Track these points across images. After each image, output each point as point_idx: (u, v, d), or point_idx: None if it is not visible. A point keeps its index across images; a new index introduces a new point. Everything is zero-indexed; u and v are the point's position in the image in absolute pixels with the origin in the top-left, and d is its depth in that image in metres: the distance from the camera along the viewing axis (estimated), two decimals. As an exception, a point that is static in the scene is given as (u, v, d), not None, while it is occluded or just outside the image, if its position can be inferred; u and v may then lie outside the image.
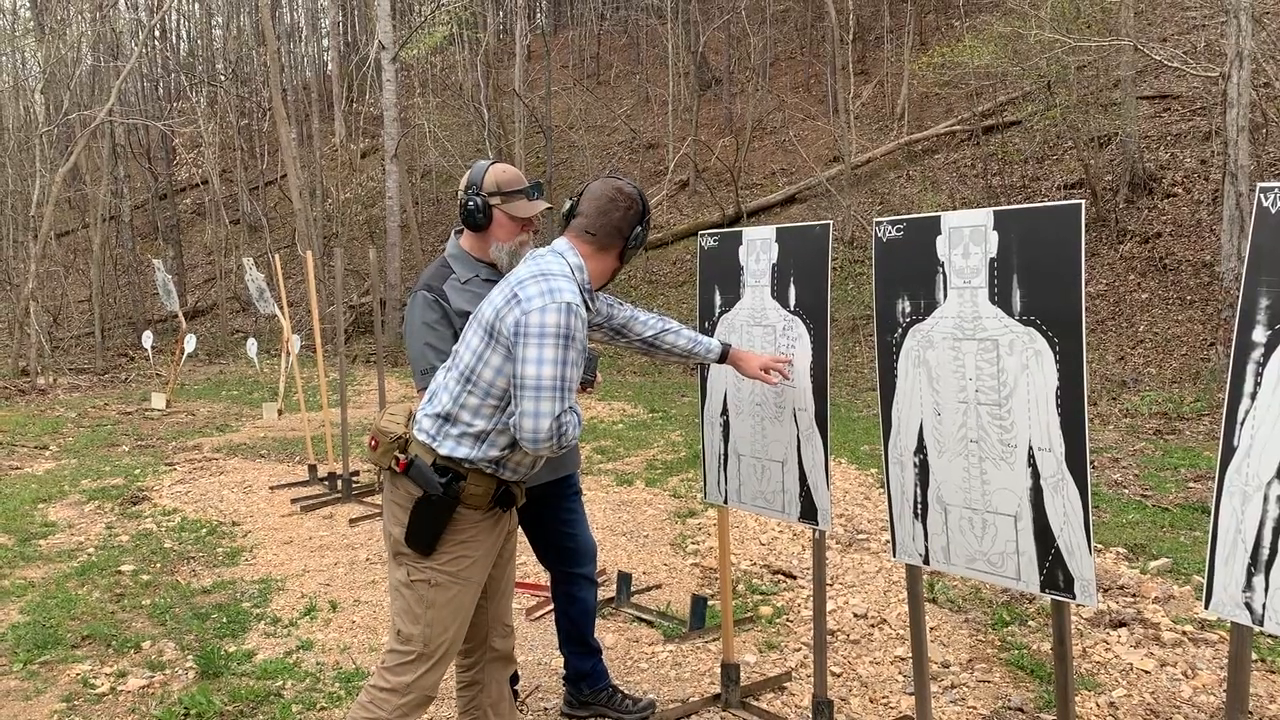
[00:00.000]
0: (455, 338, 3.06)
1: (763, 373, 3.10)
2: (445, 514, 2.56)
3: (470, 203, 3.12)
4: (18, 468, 8.97)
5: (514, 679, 3.46)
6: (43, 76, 22.44)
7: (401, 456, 2.61)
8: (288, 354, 10.77)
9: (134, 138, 28.00)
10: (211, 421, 11.78)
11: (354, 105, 28.06)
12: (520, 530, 3.38)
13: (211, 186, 24.96)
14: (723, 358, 3.13)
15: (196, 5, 32.60)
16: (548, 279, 2.54)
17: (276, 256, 9.52)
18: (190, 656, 4.27)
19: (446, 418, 2.59)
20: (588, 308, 2.68)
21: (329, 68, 31.77)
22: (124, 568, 5.64)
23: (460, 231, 3.23)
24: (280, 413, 11.98)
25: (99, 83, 24.36)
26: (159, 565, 5.73)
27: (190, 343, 13.92)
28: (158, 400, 13.14)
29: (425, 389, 3.08)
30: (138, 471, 8.55)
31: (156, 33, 28.67)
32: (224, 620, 4.74)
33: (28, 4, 27.45)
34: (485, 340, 2.56)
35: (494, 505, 2.65)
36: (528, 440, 2.48)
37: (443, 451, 2.57)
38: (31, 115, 24.52)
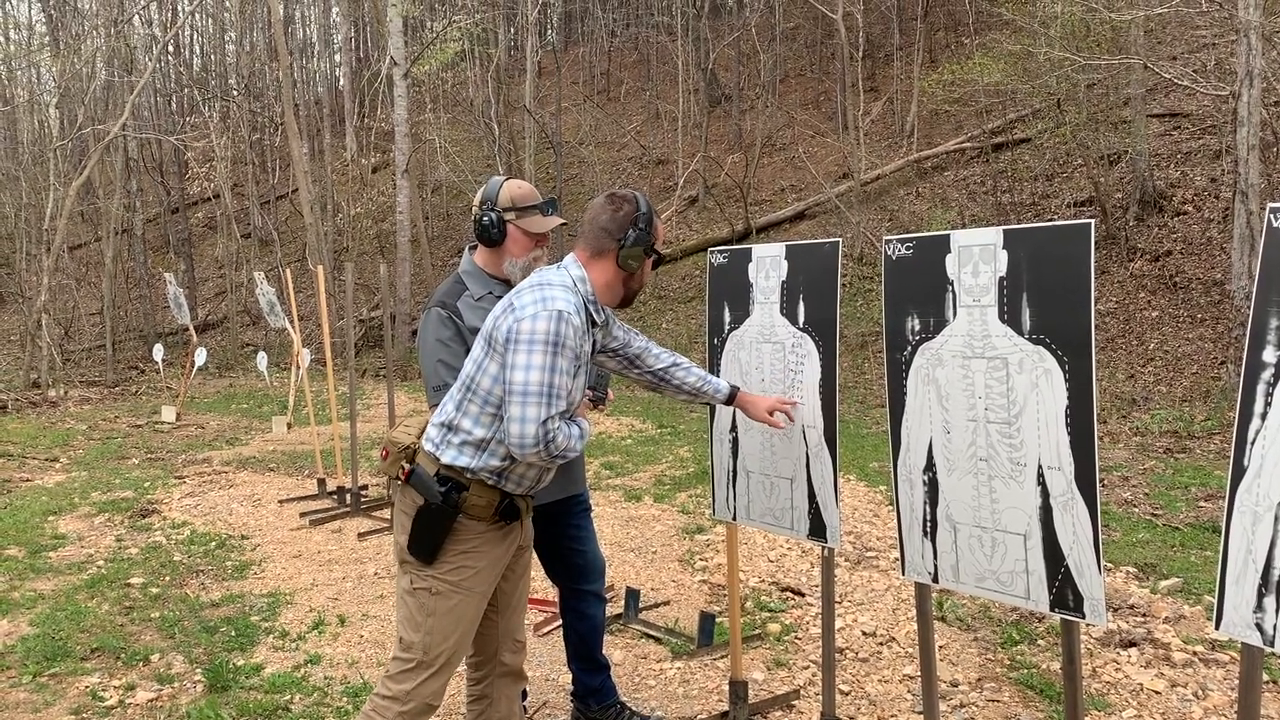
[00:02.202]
0: (468, 355, 3.08)
1: (769, 415, 3.09)
2: (446, 523, 2.59)
3: (485, 218, 3.14)
4: (28, 480, 9.01)
5: (522, 695, 3.46)
6: (57, 91, 22.61)
7: (408, 466, 2.66)
8: (297, 368, 10.81)
9: (147, 152, 28.16)
10: (221, 435, 11.81)
11: (365, 120, 28.19)
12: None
13: (223, 200, 25.09)
14: (730, 399, 3.12)
15: (210, 21, 32.86)
16: (543, 288, 2.59)
17: (287, 271, 9.54)
18: (199, 669, 4.27)
19: (450, 426, 2.64)
20: (594, 321, 2.71)
21: (341, 83, 31.96)
22: (133, 580, 5.65)
23: (474, 247, 3.25)
24: (290, 426, 12.01)
25: (113, 97, 24.53)
26: (168, 578, 5.74)
27: (200, 356, 13.97)
28: (168, 413, 13.19)
29: (437, 406, 3.09)
30: (147, 484, 8.58)
31: (170, 48, 28.88)
32: (232, 633, 4.74)
33: (43, 19, 27.70)
34: (485, 349, 2.61)
35: (498, 518, 2.67)
36: (514, 445, 2.51)
37: (445, 460, 2.61)
38: (46, 129, 24.71)
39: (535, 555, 3.47)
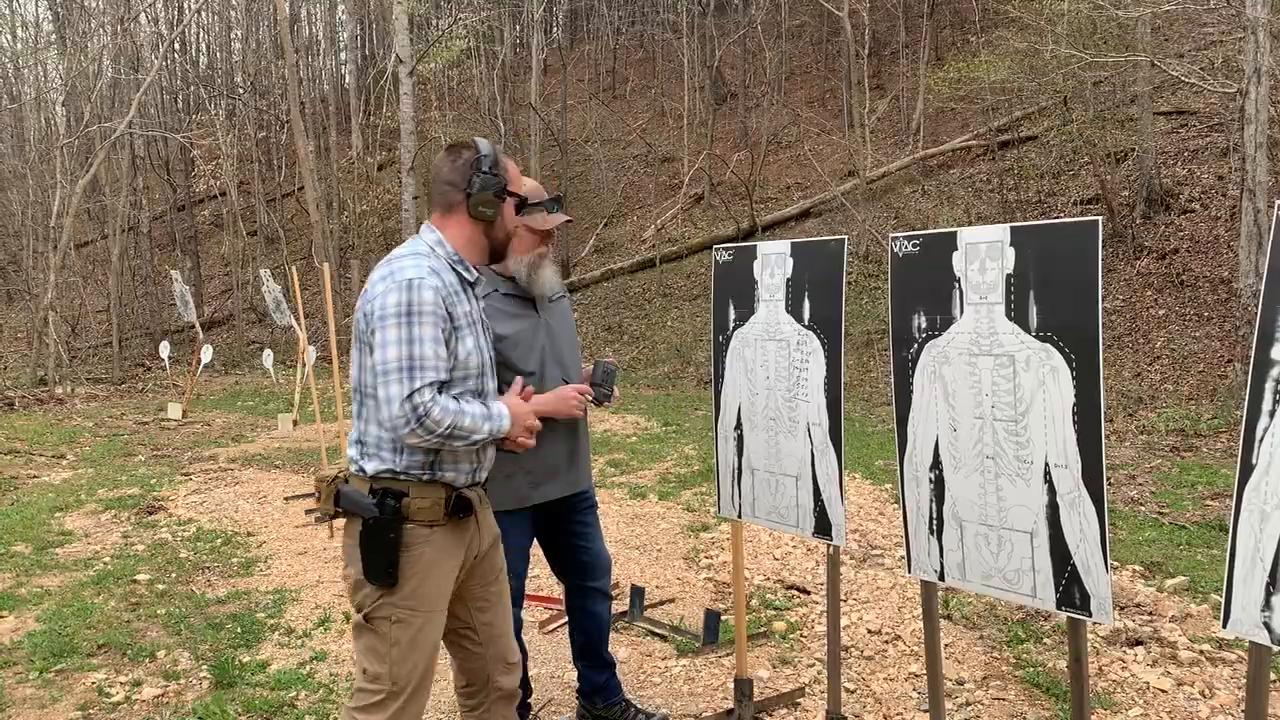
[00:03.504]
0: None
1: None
2: (391, 534, 2.40)
3: None
4: (35, 476, 9.03)
5: (527, 692, 3.46)
6: (64, 89, 22.70)
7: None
8: (303, 365, 10.82)
9: (153, 150, 28.23)
10: (227, 432, 11.83)
11: (371, 118, 28.24)
12: (536, 542, 3.39)
13: (229, 198, 25.16)
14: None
15: (216, 19, 32.90)
16: (390, 263, 2.46)
17: (293, 268, 9.57)
18: (204, 666, 4.28)
19: (361, 440, 2.48)
20: (467, 282, 2.55)
21: (347, 81, 32.01)
22: (139, 577, 5.66)
23: None
24: (295, 424, 12.03)
25: (119, 95, 24.58)
26: (174, 575, 5.75)
27: (207, 353, 14.01)
28: (174, 410, 13.22)
29: None
30: (154, 481, 8.59)
31: (176, 46, 28.93)
32: (238, 630, 4.75)
33: (50, 17, 27.76)
34: (358, 347, 2.47)
35: (451, 515, 2.48)
36: (388, 429, 2.37)
37: (370, 469, 2.44)
38: (52, 127, 24.80)
39: (541, 552, 3.48)
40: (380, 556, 2.40)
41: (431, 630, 2.50)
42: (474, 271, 2.59)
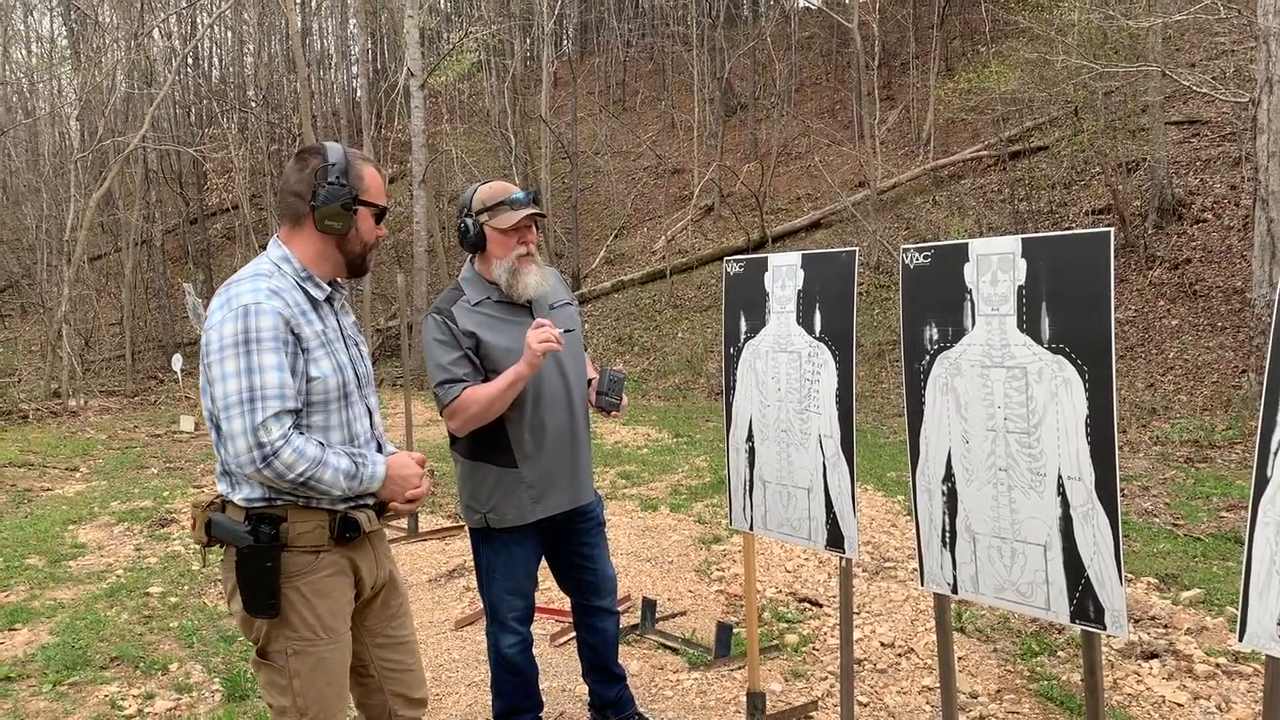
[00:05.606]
0: (466, 359, 3.07)
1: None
2: (269, 562, 2.26)
3: (462, 225, 3.15)
4: (49, 489, 9.07)
5: (539, 705, 3.45)
6: (78, 103, 22.86)
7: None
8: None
9: (166, 163, 28.39)
10: (239, 444, 11.85)
11: (383, 131, 28.35)
12: (543, 559, 3.39)
13: (242, 211, 25.27)
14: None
15: (229, 33, 33.13)
16: (229, 288, 2.30)
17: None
18: (217, 679, 4.29)
19: (227, 470, 2.32)
20: (314, 300, 2.37)
21: (358, 94, 32.15)
22: (152, 589, 5.68)
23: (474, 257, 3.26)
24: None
25: (133, 109, 24.75)
26: (187, 587, 5.77)
27: (219, 366, 14.03)
28: (186, 423, 13.26)
29: (445, 401, 3.08)
30: (166, 494, 8.62)
31: (189, 60, 29.13)
32: (250, 643, 4.75)
33: (64, 33, 27.99)
34: (204, 376, 2.30)
35: (338, 539, 2.34)
36: (234, 469, 2.22)
37: (239, 499, 2.30)
38: (67, 141, 24.97)
39: (547, 565, 3.47)
40: (259, 588, 2.27)
41: (336, 654, 2.38)
42: (325, 288, 2.41)
